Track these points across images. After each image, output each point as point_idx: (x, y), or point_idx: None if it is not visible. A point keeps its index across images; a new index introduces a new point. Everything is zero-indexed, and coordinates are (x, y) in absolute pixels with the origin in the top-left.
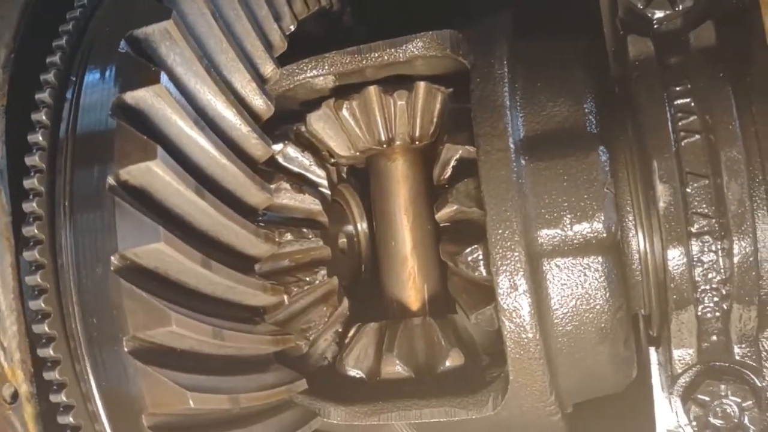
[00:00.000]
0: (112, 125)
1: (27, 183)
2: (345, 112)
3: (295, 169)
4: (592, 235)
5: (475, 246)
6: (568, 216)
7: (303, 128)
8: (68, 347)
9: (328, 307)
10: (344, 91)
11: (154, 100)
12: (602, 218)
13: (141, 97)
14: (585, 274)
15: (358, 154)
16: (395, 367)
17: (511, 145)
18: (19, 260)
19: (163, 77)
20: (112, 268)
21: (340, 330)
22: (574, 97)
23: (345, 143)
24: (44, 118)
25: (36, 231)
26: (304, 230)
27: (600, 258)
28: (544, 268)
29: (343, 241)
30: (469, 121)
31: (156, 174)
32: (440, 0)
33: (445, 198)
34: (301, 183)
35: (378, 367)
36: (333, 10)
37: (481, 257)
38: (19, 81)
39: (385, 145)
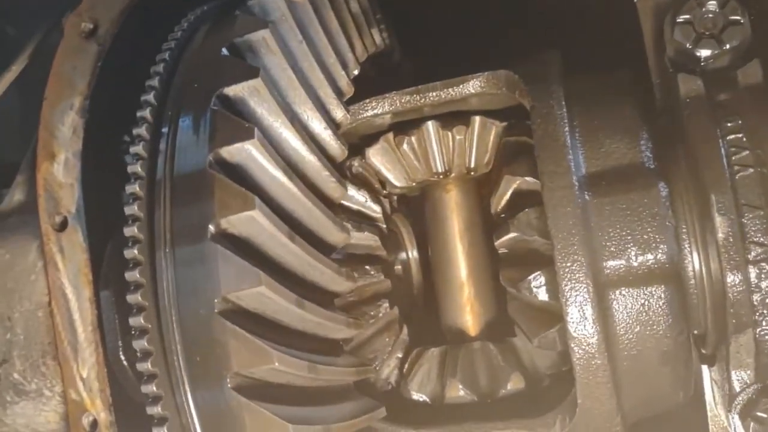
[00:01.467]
0: (210, 178)
1: (127, 231)
2: (405, 147)
3: (354, 207)
4: (655, 265)
5: (538, 273)
6: (633, 248)
7: (356, 163)
8: (170, 383)
9: (390, 336)
10: (400, 125)
11: (249, 153)
12: (665, 250)
13: (237, 151)
14: (648, 302)
15: (413, 185)
16: (459, 392)
17: (575, 182)
18: (98, 294)
19: (257, 133)
20: (216, 310)
21: (401, 356)
22: (629, 133)
23: (402, 175)
24: (140, 169)
25: (138, 275)
26: (366, 267)
27: (663, 286)
28: (610, 297)
29: (398, 268)
30: (523, 152)
31: (255, 222)
32: (481, 34)
33: (506, 227)
34: (360, 220)
35: (442, 392)
36: (385, 50)
37: (543, 283)
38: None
39: (441, 176)
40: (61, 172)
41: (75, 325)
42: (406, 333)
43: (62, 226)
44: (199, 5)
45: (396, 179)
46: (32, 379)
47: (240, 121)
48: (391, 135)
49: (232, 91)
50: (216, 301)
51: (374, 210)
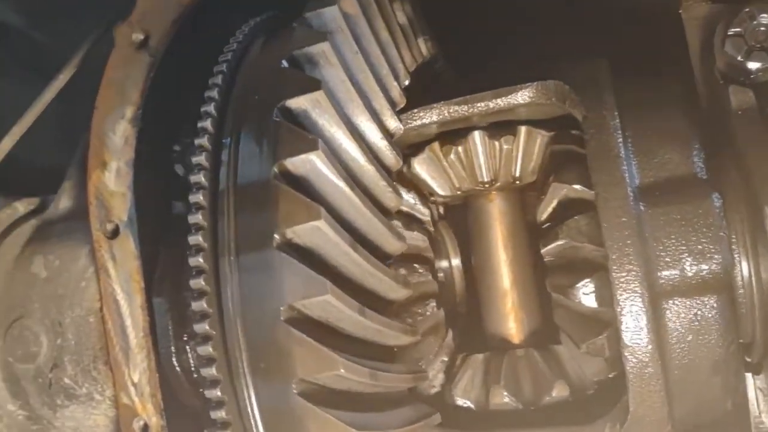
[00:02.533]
0: (275, 188)
1: (191, 239)
2: (452, 157)
3: (404, 209)
4: (709, 275)
5: (587, 280)
6: (687, 258)
7: (405, 170)
8: (233, 388)
9: (436, 339)
10: (446, 134)
11: (313, 165)
12: (719, 260)
13: (302, 163)
14: (701, 312)
15: (458, 193)
16: (503, 399)
17: (630, 193)
18: (150, 301)
19: (321, 144)
20: (281, 317)
21: (446, 360)
22: (681, 142)
23: (447, 184)
24: (203, 179)
25: (203, 283)
26: (415, 265)
27: (715, 296)
28: (663, 306)
29: (441, 275)
30: (571, 160)
31: (320, 232)
32: (526, 42)
33: (554, 234)
34: (409, 222)
35: (486, 398)
36: (430, 59)
37: (592, 290)
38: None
39: (486, 186)
40: (112, 180)
41: (127, 331)
42: (451, 337)
43: (114, 234)
44: (251, 16)
45: (440, 188)
46: (83, 384)
47: (303, 133)
48: (436, 144)
49: (294, 103)
50: (282, 308)
51: (423, 213)
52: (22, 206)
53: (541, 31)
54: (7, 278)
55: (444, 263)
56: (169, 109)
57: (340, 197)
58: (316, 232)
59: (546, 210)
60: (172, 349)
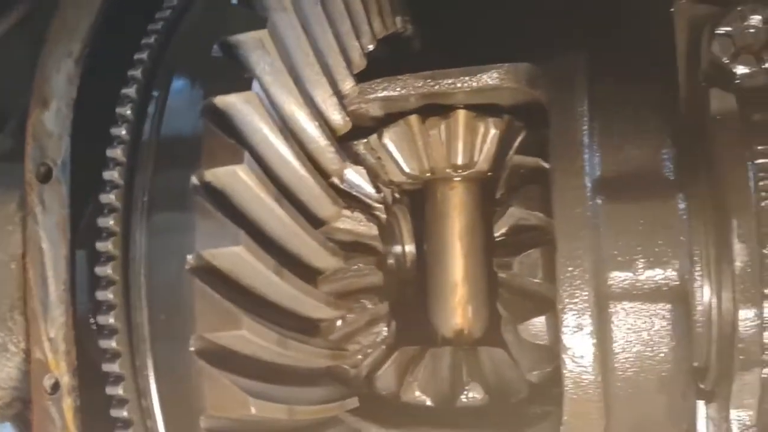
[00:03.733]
0: (200, 127)
1: (107, 175)
2: (435, 131)
3: (353, 192)
4: (664, 282)
5: (531, 250)
6: (642, 260)
7: (361, 147)
8: (130, 341)
9: (376, 330)
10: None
11: (243, 106)
12: (677, 266)
13: (231, 102)
14: (652, 321)
15: (427, 175)
16: (414, 393)
17: (588, 184)
18: (74, 253)
19: (255, 85)
20: (187, 267)
21: (383, 351)
22: (651, 141)
23: (416, 163)
24: (129, 113)
25: (111, 223)
26: (358, 256)
27: (669, 306)
28: (610, 310)
29: (391, 262)
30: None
31: (241, 179)
32: (510, 33)
33: (507, 204)
34: (357, 205)
35: (398, 392)
36: (406, 34)
37: (537, 263)
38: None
39: (459, 171)
40: (51, 120)
41: (47, 282)
42: (393, 330)
43: (46, 177)
44: None
45: (407, 166)
46: None
47: (238, 71)
48: (414, 117)
49: (235, 39)
50: (189, 257)
51: (373, 197)
52: None
53: (522, 18)
54: None
55: (397, 249)
56: (119, 53)
57: (270, 147)
58: (236, 177)
59: (501, 229)
60: (90, 305)
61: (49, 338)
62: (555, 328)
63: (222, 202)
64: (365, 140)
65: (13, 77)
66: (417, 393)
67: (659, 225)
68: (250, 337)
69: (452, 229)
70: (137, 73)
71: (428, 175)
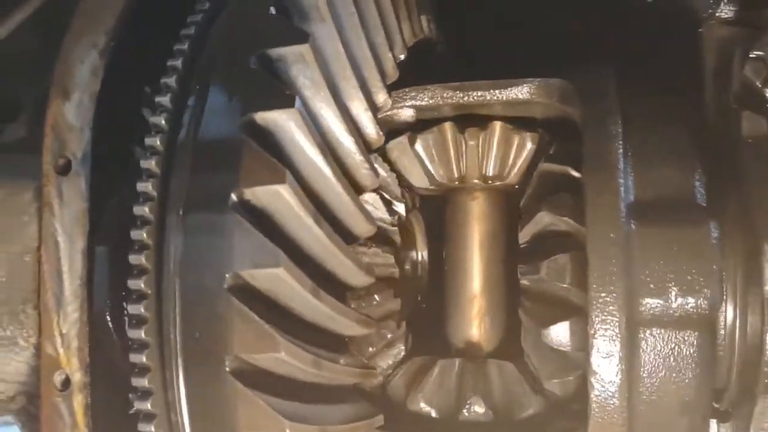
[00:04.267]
0: (239, 142)
1: (140, 186)
2: (471, 142)
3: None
4: (693, 310)
5: (559, 255)
6: (674, 288)
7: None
8: (161, 355)
9: (388, 328)
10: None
11: (286, 123)
12: (708, 295)
13: (273, 119)
14: (679, 347)
15: (432, 187)
16: (420, 404)
17: (622, 207)
18: (93, 249)
19: (298, 102)
20: (225, 285)
21: (399, 360)
22: (683, 163)
23: (421, 176)
24: (163, 122)
25: (144, 236)
26: (377, 247)
27: (696, 333)
28: (640, 336)
29: (407, 268)
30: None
31: (282, 198)
32: (539, 45)
33: (534, 210)
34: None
35: (456, 407)
36: (432, 40)
37: (566, 267)
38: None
39: (457, 182)
40: (72, 112)
41: (62, 277)
42: (404, 330)
43: (65, 170)
44: None
45: (415, 179)
46: (8, 326)
47: (282, 87)
48: (448, 125)
49: (276, 53)
50: (227, 275)
51: (396, 195)
52: None
53: (552, 31)
54: None
55: (411, 254)
56: (144, 46)
57: (310, 164)
58: (277, 197)
59: (528, 234)
60: (108, 303)
61: (61, 333)
62: (580, 334)
63: (261, 220)
64: (393, 142)
65: (25, 66)
66: (422, 404)
67: (692, 252)
68: (287, 359)
69: (472, 239)
70: (171, 81)
71: (456, 183)
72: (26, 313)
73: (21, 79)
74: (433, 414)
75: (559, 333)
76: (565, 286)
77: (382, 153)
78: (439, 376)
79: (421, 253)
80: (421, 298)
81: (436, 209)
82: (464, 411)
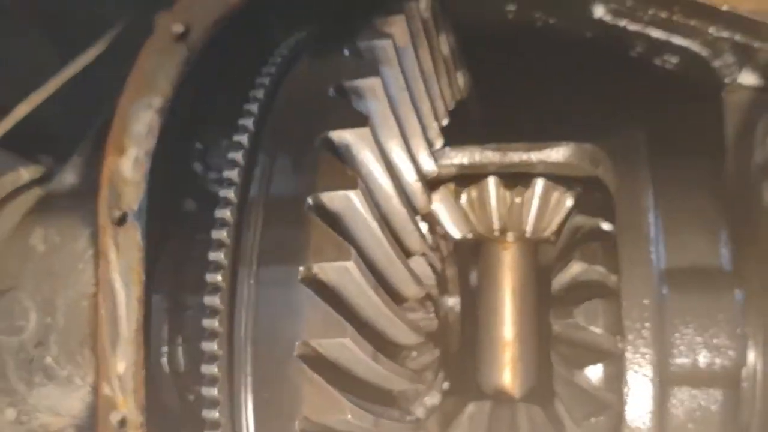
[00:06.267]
0: (307, 220)
1: (212, 255)
2: (464, 199)
3: None
4: (720, 371)
5: (593, 300)
6: (702, 350)
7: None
8: (232, 414)
9: (428, 376)
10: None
11: (350, 203)
12: (733, 357)
13: (339, 199)
14: (706, 404)
15: (470, 236)
16: None
17: (655, 275)
18: (149, 296)
19: (360, 183)
20: (295, 352)
21: (436, 402)
22: (710, 230)
23: (462, 226)
24: (232, 195)
25: (218, 301)
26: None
27: (722, 390)
28: (670, 393)
29: (441, 315)
30: (594, 237)
31: (348, 273)
32: (560, 99)
33: (569, 257)
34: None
35: None
36: (468, 98)
37: (598, 312)
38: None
39: (497, 233)
40: (129, 168)
41: (119, 322)
42: (442, 378)
43: (121, 221)
44: (293, 28)
45: (454, 229)
46: (65, 366)
47: (344, 168)
48: (494, 179)
49: (338, 135)
50: (297, 344)
51: (432, 249)
52: (27, 173)
53: (580, 91)
54: (2, 246)
55: (446, 301)
56: (196, 106)
57: (369, 238)
58: (343, 272)
59: (561, 282)
60: (164, 349)
61: (118, 375)
62: (612, 378)
63: (327, 292)
64: (437, 191)
65: (67, 108)
66: None
67: (720, 318)
68: (353, 421)
69: (504, 289)
70: (243, 138)
71: (496, 234)
72: (83, 355)
73: (60, 119)
74: None
75: (590, 377)
76: (598, 330)
77: None
78: (469, 418)
79: (452, 299)
80: (452, 343)
81: (468, 254)
82: None
